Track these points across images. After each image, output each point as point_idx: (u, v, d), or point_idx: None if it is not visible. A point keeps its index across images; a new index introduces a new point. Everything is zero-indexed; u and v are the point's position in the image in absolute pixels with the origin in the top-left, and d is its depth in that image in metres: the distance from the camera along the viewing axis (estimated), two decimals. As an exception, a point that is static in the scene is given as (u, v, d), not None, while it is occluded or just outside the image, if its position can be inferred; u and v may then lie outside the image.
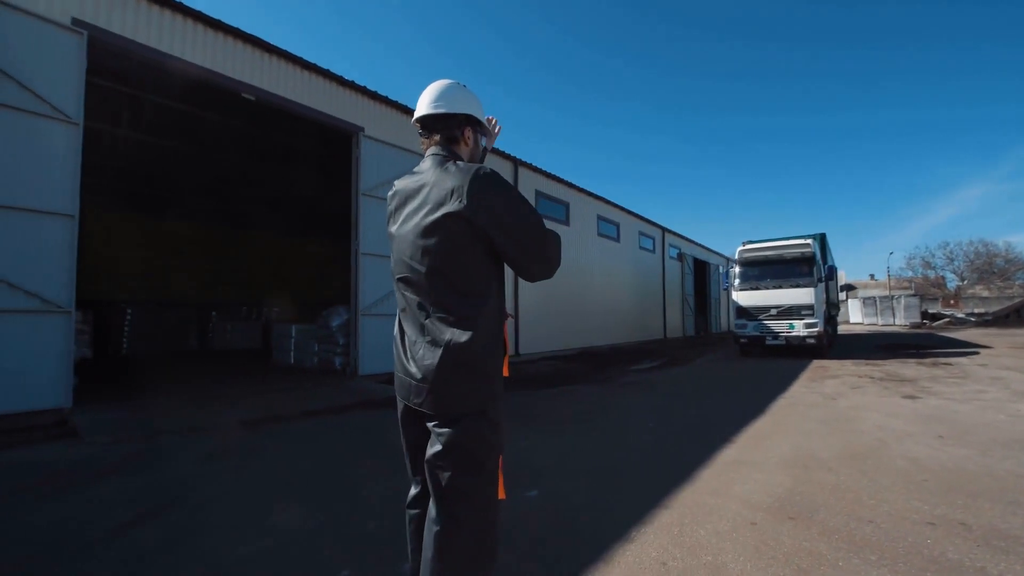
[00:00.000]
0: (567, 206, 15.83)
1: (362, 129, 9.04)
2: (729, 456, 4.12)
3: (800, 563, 2.31)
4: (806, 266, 12.81)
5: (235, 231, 18.58)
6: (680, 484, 3.43)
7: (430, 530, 1.42)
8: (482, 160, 1.75)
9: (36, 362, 5.26)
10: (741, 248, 14.42)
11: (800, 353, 12.92)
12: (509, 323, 1.58)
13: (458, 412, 1.41)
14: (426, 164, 1.57)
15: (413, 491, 1.63)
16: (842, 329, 30.01)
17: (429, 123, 1.62)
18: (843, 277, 51.74)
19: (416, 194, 1.51)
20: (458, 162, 1.51)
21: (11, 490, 3.41)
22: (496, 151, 12.64)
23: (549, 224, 14.49)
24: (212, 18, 7.07)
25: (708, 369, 11.01)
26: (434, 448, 1.42)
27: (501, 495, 1.48)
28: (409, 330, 1.51)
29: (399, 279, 1.54)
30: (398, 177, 1.62)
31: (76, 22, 5.78)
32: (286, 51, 8.00)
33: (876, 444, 4.43)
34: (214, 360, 12.99)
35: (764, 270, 13.55)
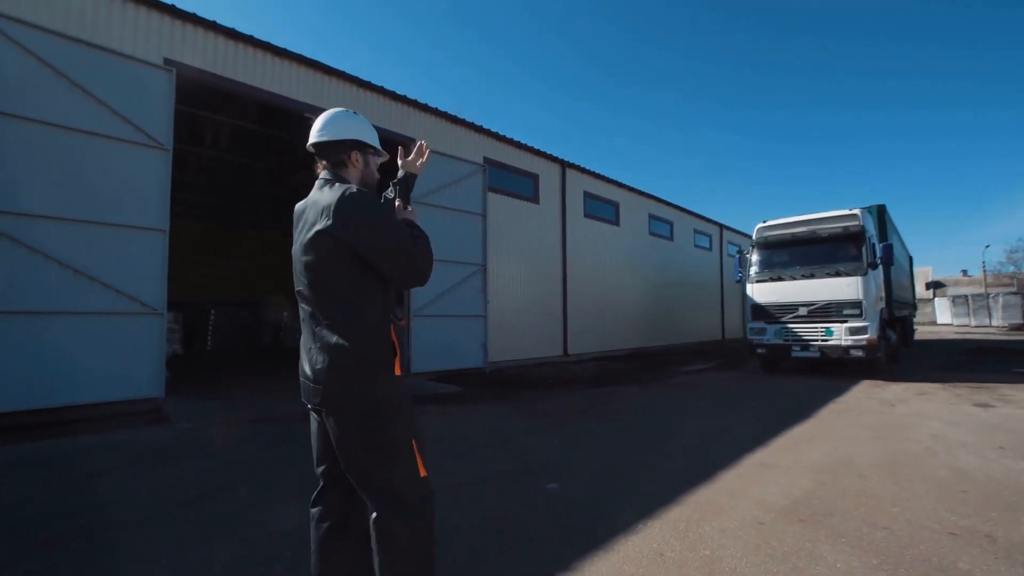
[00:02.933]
0: (616, 206, 15.74)
1: (412, 140, 9.56)
2: (757, 459, 4.11)
3: (797, 562, 2.37)
4: (852, 246, 9.20)
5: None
6: (698, 483, 3.51)
7: (367, 521, 1.61)
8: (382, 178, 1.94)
9: (136, 357, 6.11)
10: (761, 226, 10.68)
11: (843, 371, 9.71)
12: (404, 327, 1.74)
13: (349, 410, 1.56)
14: (315, 187, 1.73)
15: (318, 489, 1.78)
16: (926, 332, 27.49)
17: (317, 150, 1.77)
18: (929, 273, 47.23)
19: (303, 215, 1.68)
20: (336, 184, 1.65)
21: (114, 465, 4.08)
22: (543, 154, 12.85)
23: (595, 224, 14.41)
24: (278, 47, 7.81)
25: (762, 371, 10.62)
26: (341, 450, 1.58)
27: (422, 472, 1.63)
28: (306, 338, 1.68)
29: (296, 291, 1.70)
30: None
31: (167, 61, 6.64)
32: (342, 71, 8.67)
33: (922, 453, 4.24)
34: (284, 357, 14.12)
35: (792, 253, 9.95)
